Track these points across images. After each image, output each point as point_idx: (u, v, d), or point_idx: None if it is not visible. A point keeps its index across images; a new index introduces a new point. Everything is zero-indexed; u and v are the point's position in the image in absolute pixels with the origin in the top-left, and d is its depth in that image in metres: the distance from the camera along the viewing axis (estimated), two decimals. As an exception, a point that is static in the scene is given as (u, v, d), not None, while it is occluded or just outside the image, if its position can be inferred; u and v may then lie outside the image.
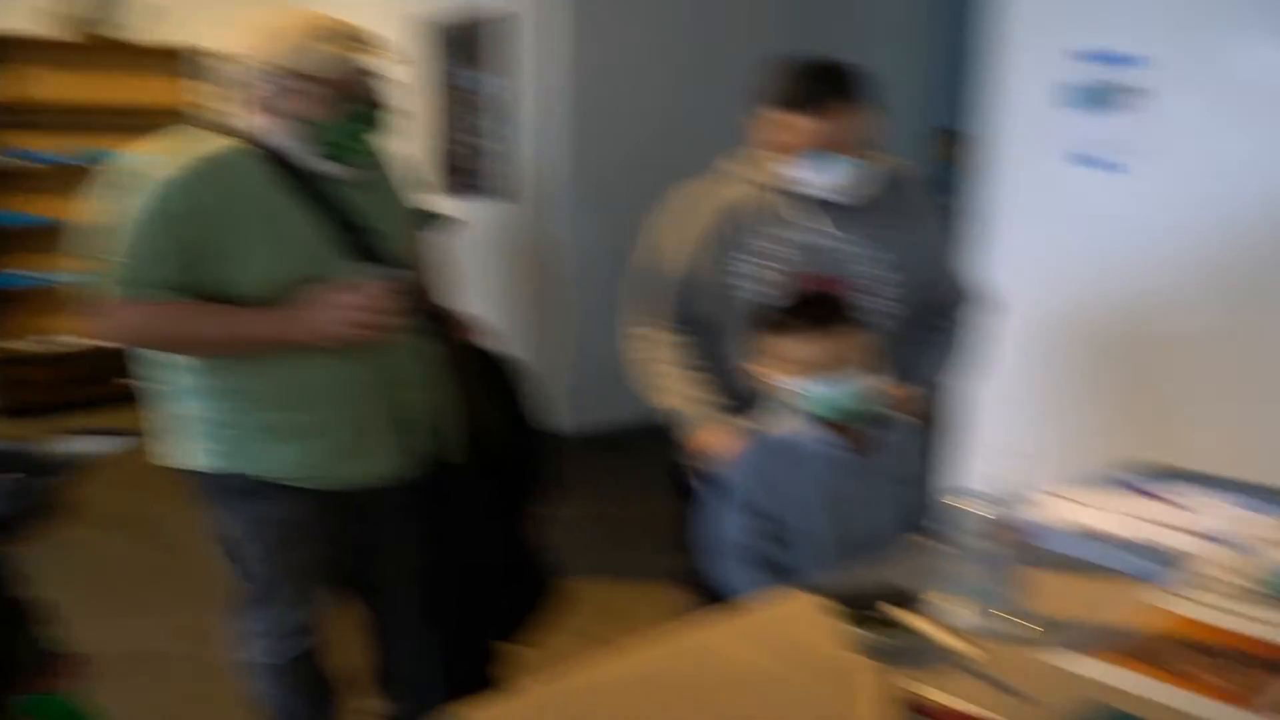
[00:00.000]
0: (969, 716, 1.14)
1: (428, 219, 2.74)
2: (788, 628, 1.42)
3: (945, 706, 1.15)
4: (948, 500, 1.42)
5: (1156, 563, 1.60)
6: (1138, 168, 2.77)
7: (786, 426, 1.75)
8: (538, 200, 5.05)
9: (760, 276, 1.99)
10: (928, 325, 2.10)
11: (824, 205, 1.96)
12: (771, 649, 1.35)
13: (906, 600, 1.39)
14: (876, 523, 1.76)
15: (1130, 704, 1.19)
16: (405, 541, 2.01)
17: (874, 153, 1.92)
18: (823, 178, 1.89)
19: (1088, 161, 2.87)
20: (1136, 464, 2.13)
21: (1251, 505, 1.85)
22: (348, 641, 2.11)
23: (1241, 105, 2.60)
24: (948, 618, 1.38)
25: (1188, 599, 1.47)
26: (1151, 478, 2.03)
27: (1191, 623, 1.40)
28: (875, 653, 1.31)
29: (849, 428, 1.72)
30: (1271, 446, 2.54)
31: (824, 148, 1.86)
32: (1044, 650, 1.33)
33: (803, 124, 1.85)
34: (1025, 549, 1.38)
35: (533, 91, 4.97)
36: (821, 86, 1.84)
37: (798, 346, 1.69)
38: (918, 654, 1.31)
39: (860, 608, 1.37)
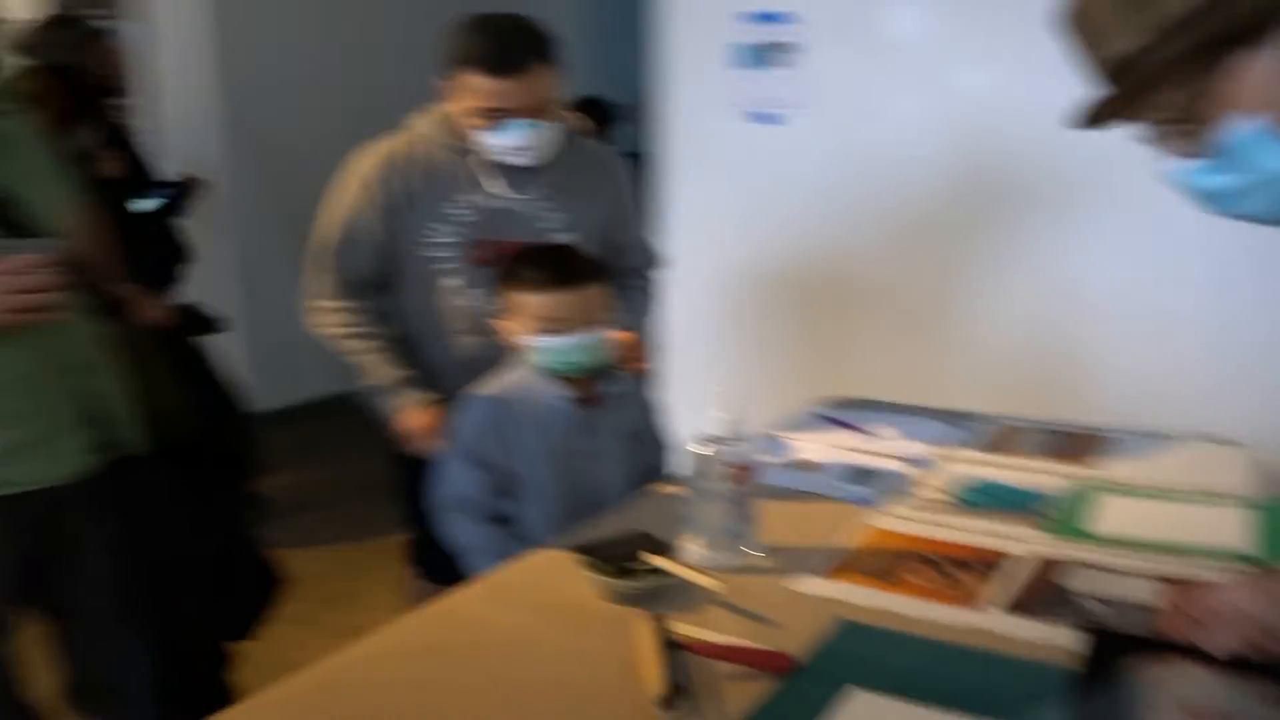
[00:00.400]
0: (727, 647, 1.15)
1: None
2: (539, 585, 1.37)
3: (702, 640, 1.15)
4: (678, 446, 1.44)
5: (865, 486, 1.71)
6: (796, 120, 2.98)
7: (518, 380, 1.72)
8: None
9: (436, 239, 1.93)
10: (617, 284, 2.10)
11: (503, 166, 1.92)
12: (529, 608, 1.30)
13: (650, 545, 1.39)
14: (607, 477, 1.75)
15: (866, 616, 1.25)
16: (91, 544, 1.75)
17: (554, 113, 1.89)
18: (502, 139, 1.84)
19: (757, 117, 3.05)
20: (833, 399, 2.27)
21: (934, 427, 2.03)
22: (44, 663, 1.83)
23: (886, 59, 2.85)
24: (690, 557, 1.39)
25: (897, 516, 1.58)
26: (847, 410, 2.18)
27: (904, 536, 1.50)
28: (627, 599, 1.30)
29: (580, 381, 1.71)
30: (942, 373, 2.84)
31: (504, 108, 1.81)
32: (782, 577, 1.37)
33: (482, 83, 1.79)
34: (752, 485, 1.41)
35: (174, 43, 4.52)
36: (501, 45, 1.78)
37: (534, 300, 1.66)
38: (667, 595, 1.31)
39: (606, 557, 1.35)
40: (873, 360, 2.96)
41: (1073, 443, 1.92)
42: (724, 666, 1.13)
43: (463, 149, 1.93)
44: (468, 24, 1.83)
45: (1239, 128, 0.75)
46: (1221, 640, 0.98)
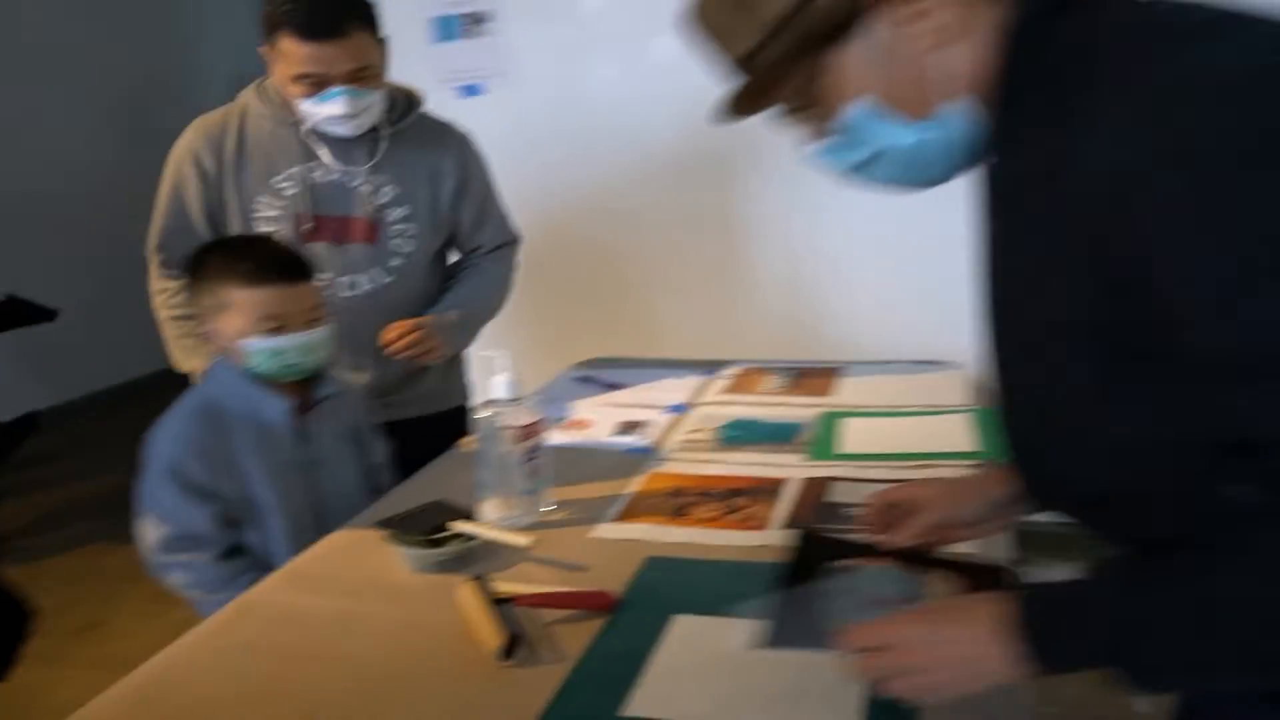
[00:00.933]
0: (551, 594, 1.19)
1: None
2: (343, 567, 1.35)
3: (524, 593, 1.19)
4: (472, 413, 1.45)
5: (635, 436, 1.80)
6: (499, 90, 3.05)
7: (223, 391, 1.55)
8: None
9: (264, 214, 1.85)
10: (464, 265, 2.08)
11: (333, 138, 1.85)
12: (341, 590, 1.28)
13: (449, 512, 1.40)
14: (335, 484, 1.62)
15: (667, 550, 1.34)
16: None
17: (378, 80, 1.82)
18: (322, 107, 1.77)
19: (463, 90, 3.10)
20: (586, 361, 2.36)
21: (683, 376, 2.16)
22: None
23: (579, 33, 2.98)
24: (489, 518, 1.42)
25: (670, 459, 1.68)
26: (602, 369, 2.27)
27: (682, 476, 1.60)
28: (438, 566, 1.31)
29: (295, 385, 1.57)
30: (682, 328, 3.01)
31: (321, 74, 1.73)
32: (578, 527, 1.43)
33: (297, 48, 1.71)
34: (538, 445, 1.46)
35: None
36: (313, 8, 1.70)
37: (253, 296, 1.49)
38: (476, 558, 1.33)
39: (410, 529, 1.35)
40: (615, 320, 3.09)
41: (812, 377, 2.11)
42: (550, 613, 1.18)
43: (289, 120, 1.85)
44: None
45: (850, 110, 0.85)
46: (904, 536, 1.12)
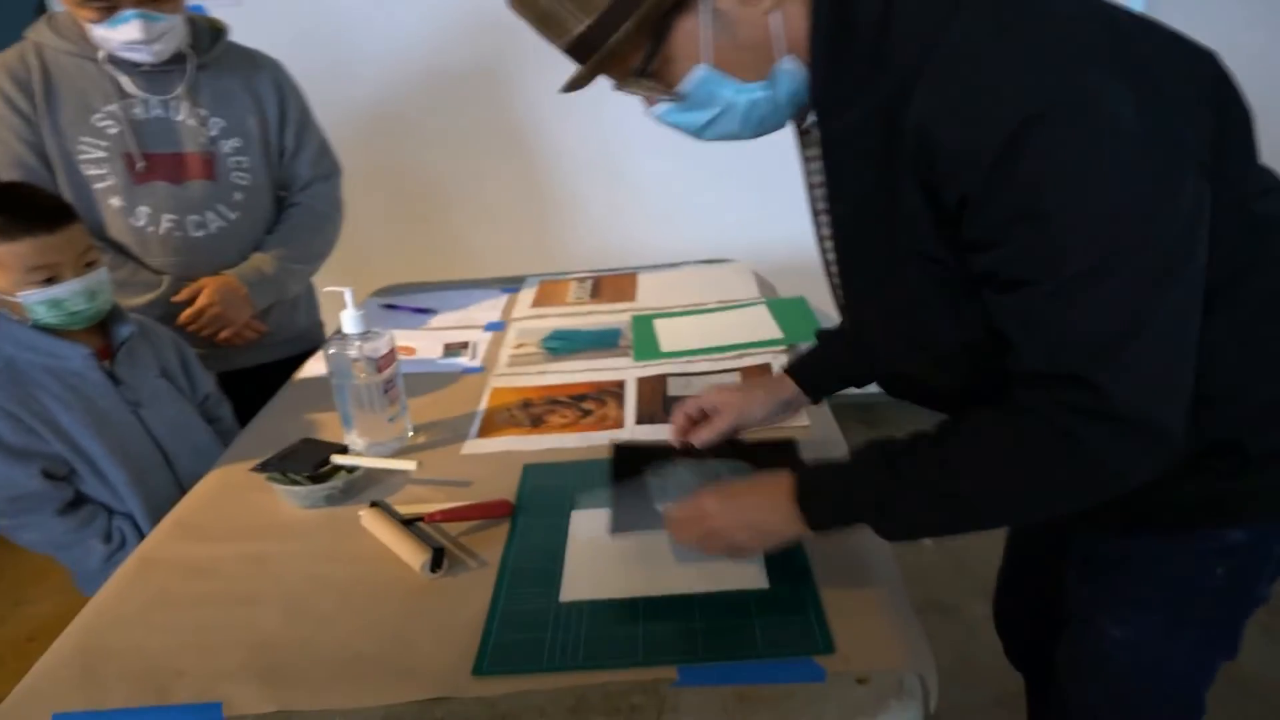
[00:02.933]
0: (455, 509, 1.28)
1: None
2: (227, 512, 1.36)
3: (431, 512, 1.27)
4: (324, 348, 1.48)
5: (463, 356, 1.88)
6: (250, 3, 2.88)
7: (15, 348, 1.48)
8: None
9: (89, 155, 1.74)
10: (288, 202, 2.00)
11: (143, 71, 1.74)
12: (237, 534, 1.30)
13: (320, 447, 1.44)
14: (160, 423, 1.59)
15: (537, 457, 1.45)
16: None
17: (174, 4, 1.71)
18: (114, 32, 1.66)
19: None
20: (386, 288, 2.38)
21: (490, 294, 2.24)
22: None
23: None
24: (357, 448, 1.47)
25: (506, 374, 1.78)
26: (405, 295, 2.30)
27: (523, 389, 1.70)
28: (326, 500, 1.35)
29: (90, 331, 1.54)
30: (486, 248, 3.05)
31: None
32: (444, 447, 1.51)
33: None
34: (393, 373, 1.51)
35: None
36: None
37: (16, 250, 1.42)
38: (362, 487, 1.39)
39: (290, 469, 1.38)
40: (403, 243, 3.09)
41: (611, 283, 2.25)
42: (455, 526, 1.27)
43: (91, 54, 1.71)
44: None
45: (692, 74, 0.93)
46: (705, 435, 1.31)
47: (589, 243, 3.10)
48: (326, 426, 1.58)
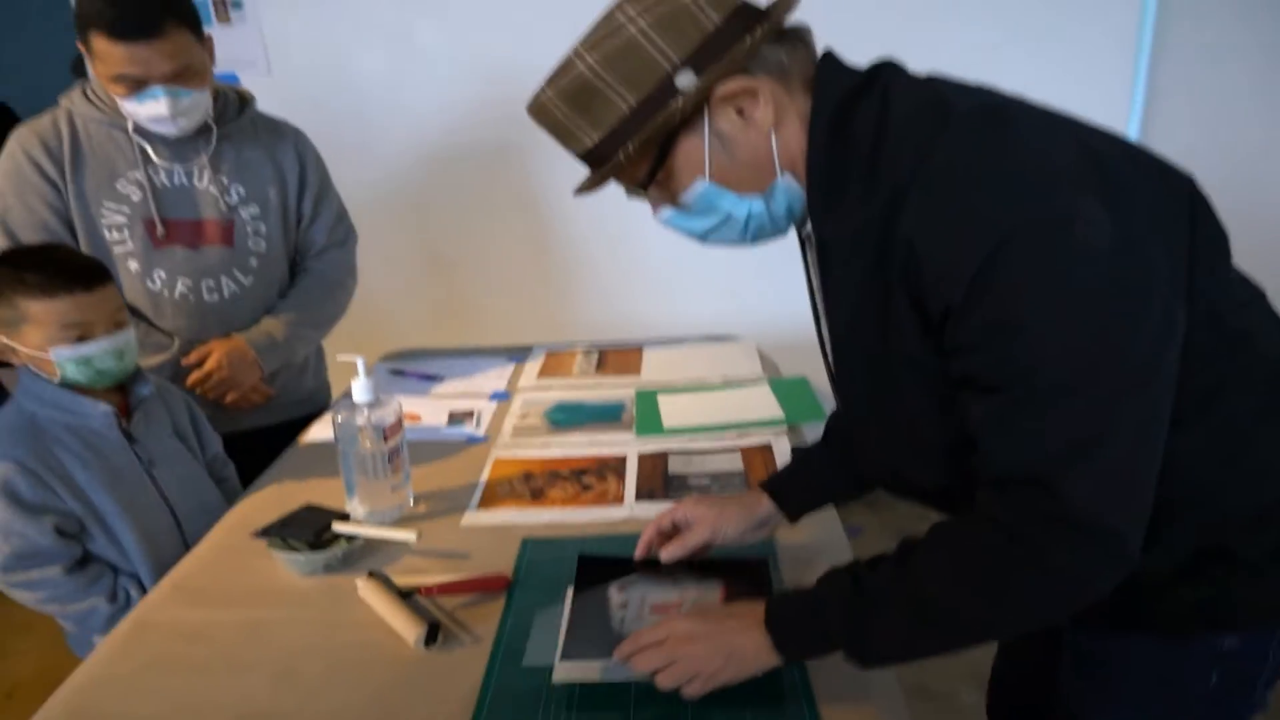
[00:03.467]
0: (452, 583, 1.28)
1: None
2: (223, 577, 1.37)
3: (425, 584, 1.28)
4: (332, 414, 1.50)
5: (465, 425, 1.89)
6: (250, 79, 2.90)
7: (38, 405, 1.51)
8: None
9: (111, 220, 1.79)
10: (301, 267, 2.04)
11: (166, 139, 1.80)
12: (234, 600, 1.30)
13: (325, 515, 1.45)
14: (172, 483, 1.61)
15: (536, 531, 1.46)
16: None
17: (201, 79, 1.76)
18: (143, 107, 1.71)
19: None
20: (392, 353, 2.40)
21: (495, 363, 2.26)
22: None
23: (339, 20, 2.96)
24: (358, 516, 1.48)
25: (508, 445, 1.79)
26: (410, 361, 2.32)
27: (525, 461, 1.71)
28: (325, 568, 1.36)
29: (113, 391, 1.56)
30: (502, 315, 3.08)
31: (138, 75, 1.67)
32: (443, 517, 1.52)
33: (109, 48, 1.64)
34: (399, 442, 1.52)
35: None
36: (122, 6, 1.62)
37: (53, 307, 1.45)
38: (361, 556, 1.40)
39: (291, 536, 1.39)
40: (414, 310, 3.12)
41: (617, 356, 2.27)
42: (450, 600, 1.27)
43: (121, 123, 1.77)
44: None
45: (693, 187, 0.98)
46: (675, 551, 1.25)
47: (595, 313, 3.13)
48: (328, 491, 1.59)
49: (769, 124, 0.95)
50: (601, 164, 0.97)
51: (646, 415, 1.88)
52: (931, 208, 0.85)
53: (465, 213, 3.10)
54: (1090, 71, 2.91)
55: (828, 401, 1.65)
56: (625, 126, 0.94)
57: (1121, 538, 0.85)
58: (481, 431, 1.86)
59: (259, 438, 1.94)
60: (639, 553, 1.27)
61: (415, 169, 3.02)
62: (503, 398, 2.04)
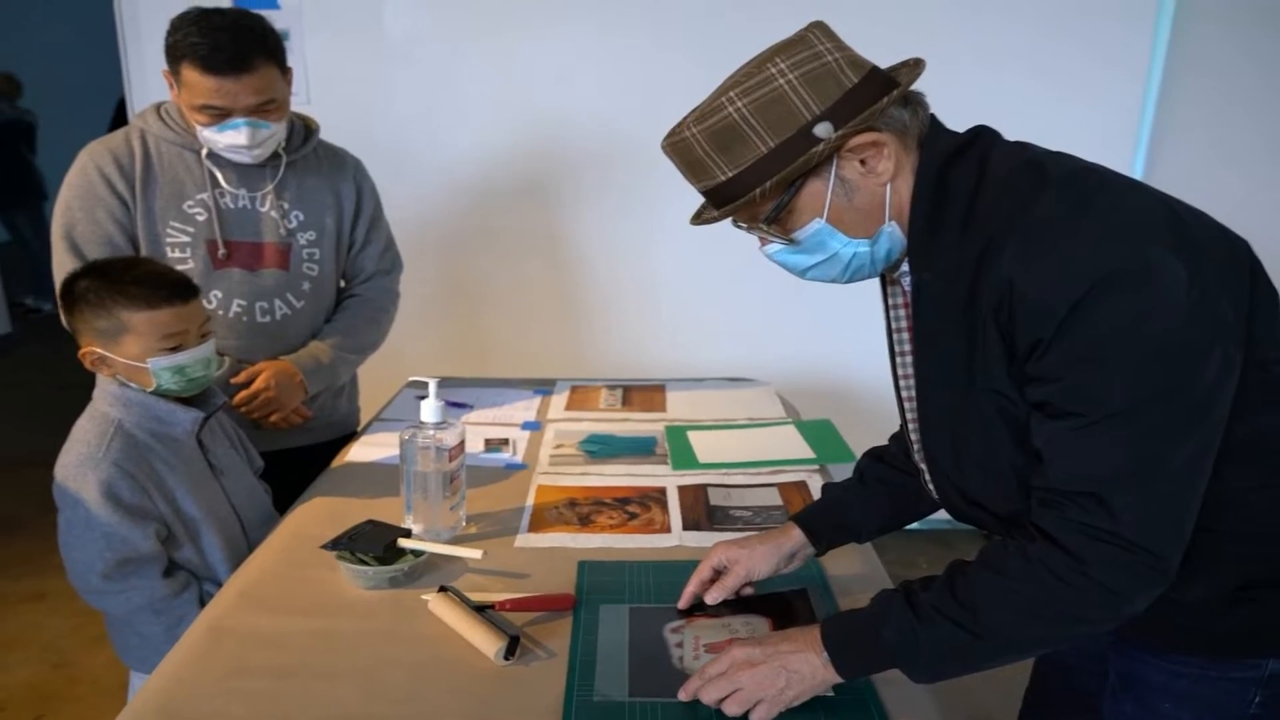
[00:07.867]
0: (524, 599, 1.33)
1: None
2: (289, 588, 1.40)
3: (501, 601, 1.32)
4: (400, 434, 1.54)
5: (503, 452, 1.94)
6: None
7: (132, 413, 1.54)
8: None
9: (176, 239, 1.83)
10: (348, 292, 2.09)
11: (235, 164, 1.85)
12: (305, 610, 1.33)
13: (390, 531, 1.49)
14: (240, 491, 1.67)
15: (589, 555, 1.51)
16: None
17: (280, 111, 1.81)
18: (223, 136, 1.76)
19: None
20: (420, 382, 2.43)
21: (524, 394, 2.31)
22: None
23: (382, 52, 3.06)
24: (420, 535, 1.52)
25: (549, 473, 1.84)
26: (449, 388, 2.35)
27: (567, 489, 1.76)
28: (390, 583, 1.40)
29: (195, 399, 1.61)
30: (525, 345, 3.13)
31: (227, 109, 1.73)
32: (496, 539, 1.56)
33: (200, 80, 1.70)
34: (460, 464, 1.57)
35: None
36: (217, 42, 1.68)
37: (154, 317, 1.51)
38: (422, 572, 1.43)
39: (358, 549, 1.43)
40: (441, 338, 3.17)
41: (640, 393, 2.33)
42: (520, 616, 1.32)
43: (194, 146, 1.83)
44: (188, 17, 1.70)
45: (809, 226, 1.08)
46: (717, 593, 1.34)
47: (614, 353, 3.19)
48: (372, 510, 1.61)
49: (888, 176, 1.05)
50: (729, 198, 1.05)
51: (680, 450, 1.93)
52: (1032, 253, 0.96)
53: (491, 249, 3.16)
54: (1097, 115, 3.05)
55: (853, 444, 1.72)
56: (760, 166, 1.02)
57: (1162, 559, 0.96)
58: (520, 458, 1.91)
59: (290, 458, 1.97)
60: (684, 603, 1.35)
61: (446, 205, 3.08)
62: (534, 427, 2.09)
